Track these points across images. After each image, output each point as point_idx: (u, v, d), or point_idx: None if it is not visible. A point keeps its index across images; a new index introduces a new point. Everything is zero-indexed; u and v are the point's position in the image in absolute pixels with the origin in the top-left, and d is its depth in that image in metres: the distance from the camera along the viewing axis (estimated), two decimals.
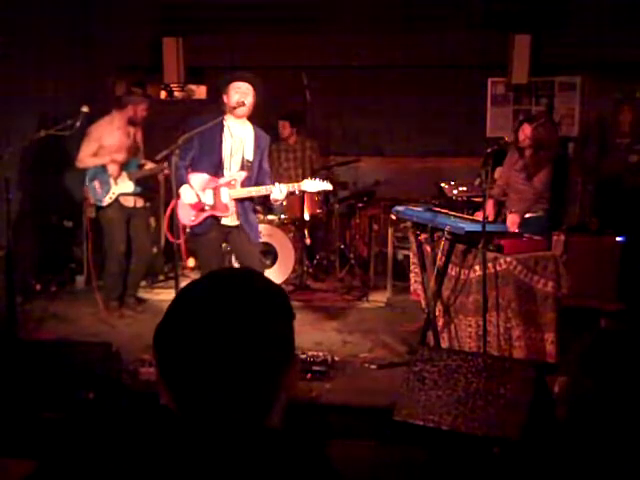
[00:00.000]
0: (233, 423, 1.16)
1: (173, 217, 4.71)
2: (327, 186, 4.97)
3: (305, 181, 4.92)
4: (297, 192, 5.10)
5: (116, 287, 5.93)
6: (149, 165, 5.86)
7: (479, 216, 5.00)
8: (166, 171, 5.67)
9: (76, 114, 4.90)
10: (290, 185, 4.88)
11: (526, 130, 5.09)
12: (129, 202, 5.83)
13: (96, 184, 5.73)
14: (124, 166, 5.78)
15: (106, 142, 5.73)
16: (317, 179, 4.94)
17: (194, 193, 4.70)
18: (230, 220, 4.82)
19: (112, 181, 5.73)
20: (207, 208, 4.74)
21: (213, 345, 1.15)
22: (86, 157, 5.74)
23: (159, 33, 7.58)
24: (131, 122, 5.79)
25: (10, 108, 6.12)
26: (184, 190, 4.69)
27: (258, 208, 5.91)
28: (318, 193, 6.90)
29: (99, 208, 5.81)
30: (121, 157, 5.76)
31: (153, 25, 7.51)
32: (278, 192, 4.73)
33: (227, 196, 4.74)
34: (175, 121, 6.29)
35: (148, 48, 7.63)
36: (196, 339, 1.16)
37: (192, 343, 1.16)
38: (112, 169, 5.69)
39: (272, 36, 7.49)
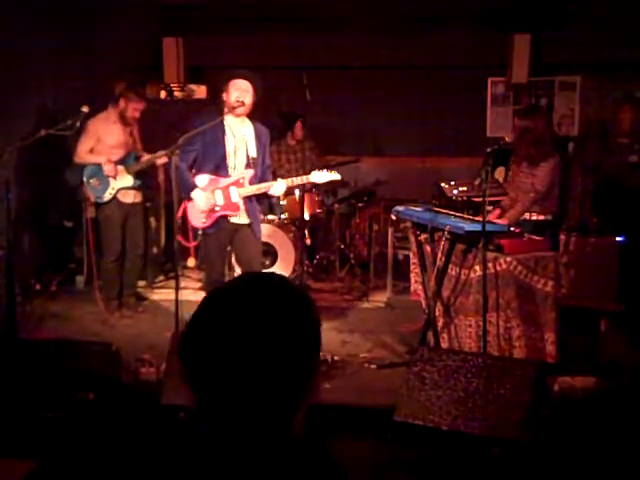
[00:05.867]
0: (259, 427, 1.15)
1: (184, 221, 4.77)
2: (335, 176, 5.02)
3: (313, 173, 4.97)
4: (306, 184, 5.12)
5: (113, 284, 5.92)
6: (146, 157, 5.84)
7: (494, 216, 5.01)
8: (164, 159, 5.60)
9: (76, 114, 4.90)
10: (299, 178, 4.93)
11: (514, 123, 5.18)
12: (128, 198, 5.81)
13: (94, 181, 5.72)
14: (122, 161, 5.76)
15: (103, 137, 5.72)
16: (325, 170, 4.98)
17: (206, 196, 4.73)
18: (240, 218, 4.85)
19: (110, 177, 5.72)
20: (218, 209, 4.77)
21: (244, 350, 1.14)
22: (83, 153, 5.72)
23: (159, 33, 7.58)
24: (122, 118, 5.75)
25: (10, 108, 6.12)
26: (196, 194, 4.72)
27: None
28: (318, 193, 6.92)
29: (98, 205, 5.80)
30: (117, 155, 5.74)
31: (153, 25, 7.51)
32: (277, 187, 4.78)
33: (237, 195, 4.78)
34: (175, 121, 6.28)
35: (148, 48, 7.63)
36: (227, 343, 1.15)
37: (223, 347, 1.15)
38: (108, 169, 5.67)
39: (272, 36, 7.49)
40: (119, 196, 5.77)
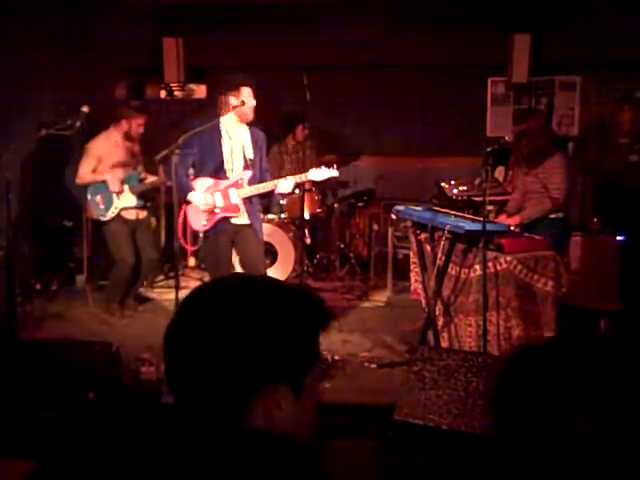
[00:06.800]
0: (214, 422, 1.16)
1: (185, 224, 4.79)
2: (333, 173, 5.01)
3: (311, 170, 4.97)
4: (305, 182, 5.13)
5: (120, 289, 5.93)
6: (150, 178, 5.88)
7: (501, 220, 5.01)
8: (168, 183, 5.70)
9: (76, 114, 4.91)
10: (297, 176, 4.95)
11: (512, 129, 5.21)
12: (131, 215, 5.85)
13: (98, 198, 5.74)
14: (125, 180, 5.78)
15: (104, 158, 5.74)
16: (322, 167, 4.98)
17: (203, 196, 4.76)
18: (240, 219, 4.87)
19: (114, 195, 5.74)
20: (218, 210, 4.80)
21: (206, 347, 1.15)
22: (85, 174, 5.76)
23: (159, 33, 7.57)
24: (127, 137, 5.78)
25: (10, 108, 6.12)
26: (193, 196, 4.76)
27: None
28: (318, 192, 6.92)
29: (102, 222, 5.82)
30: (120, 172, 5.76)
31: (153, 25, 7.50)
32: (284, 184, 4.79)
33: (236, 196, 4.81)
34: (175, 121, 6.30)
35: (148, 48, 7.63)
36: (194, 339, 1.17)
37: (191, 343, 1.17)
38: (113, 185, 5.69)
39: (272, 36, 7.48)
40: (122, 213, 5.79)
